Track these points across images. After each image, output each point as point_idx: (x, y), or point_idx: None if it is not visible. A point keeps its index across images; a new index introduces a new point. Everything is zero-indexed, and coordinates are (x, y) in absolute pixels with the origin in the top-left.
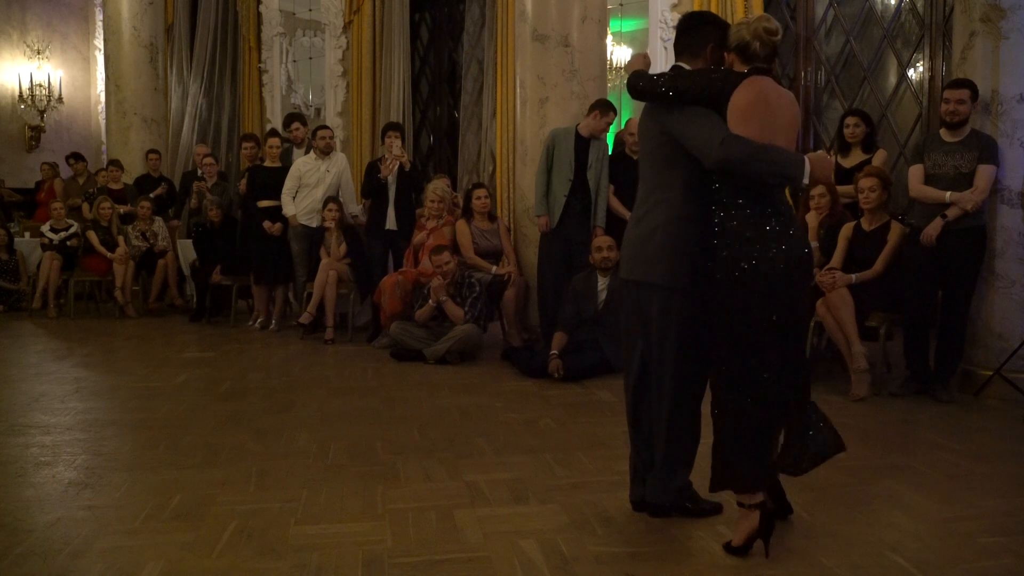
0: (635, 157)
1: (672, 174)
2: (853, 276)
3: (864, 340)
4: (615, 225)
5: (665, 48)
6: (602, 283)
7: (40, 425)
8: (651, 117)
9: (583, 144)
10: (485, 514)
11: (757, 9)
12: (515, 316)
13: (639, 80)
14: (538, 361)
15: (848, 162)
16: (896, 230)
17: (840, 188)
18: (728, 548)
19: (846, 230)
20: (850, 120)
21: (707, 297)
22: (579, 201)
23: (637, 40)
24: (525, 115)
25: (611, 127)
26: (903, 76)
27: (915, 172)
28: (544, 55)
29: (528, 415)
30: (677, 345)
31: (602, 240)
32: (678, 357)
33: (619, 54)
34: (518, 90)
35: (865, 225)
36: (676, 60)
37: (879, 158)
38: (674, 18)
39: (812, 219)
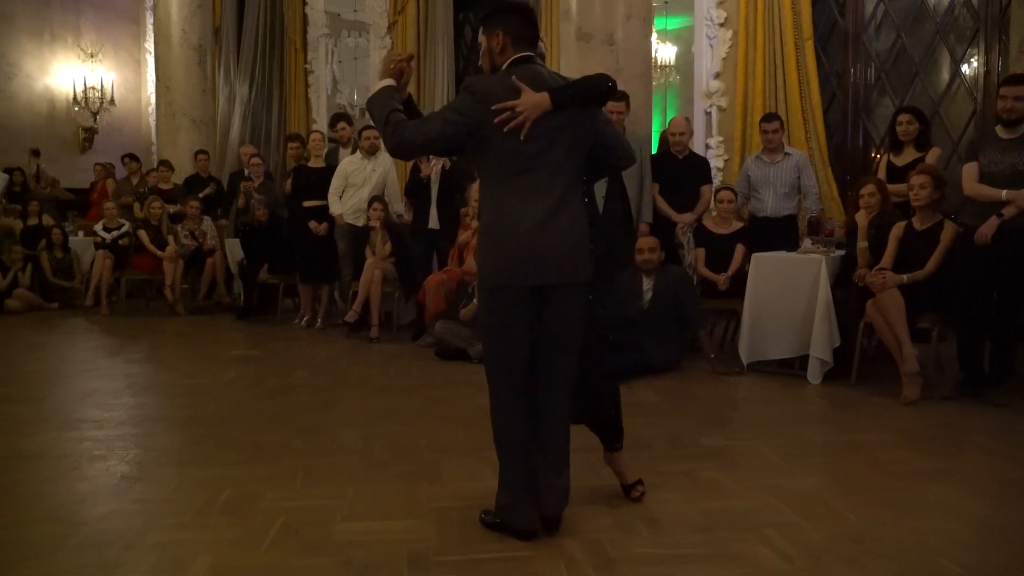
0: (680, 156)
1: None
2: (904, 276)
3: (915, 342)
4: (659, 225)
5: (711, 46)
6: (647, 283)
7: (93, 420)
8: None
9: None
10: None
11: (805, 7)
12: None
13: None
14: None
15: (901, 160)
16: (949, 229)
17: (892, 187)
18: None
19: (897, 229)
20: (903, 117)
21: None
22: (618, 200)
23: (682, 38)
24: None
25: (654, 127)
26: (956, 72)
27: (969, 170)
28: (588, 54)
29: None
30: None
31: (644, 242)
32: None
33: (664, 52)
34: None
35: (917, 224)
36: (527, 50)
37: (933, 156)
38: (720, 15)
39: (862, 218)
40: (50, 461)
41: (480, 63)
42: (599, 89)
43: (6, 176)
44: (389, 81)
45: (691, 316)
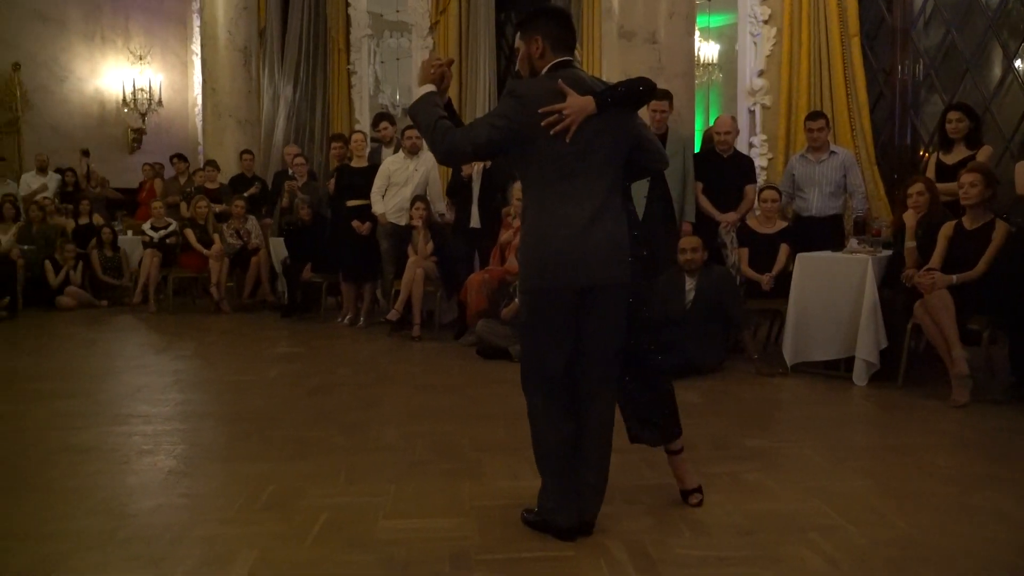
0: (725, 155)
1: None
2: (954, 277)
3: (965, 344)
4: (702, 224)
5: (755, 43)
6: (689, 283)
7: (142, 415)
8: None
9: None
10: None
11: (851, 4)
12: None
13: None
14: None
15: (950, 159)
16: (1001, 229)
17: (942, 186)
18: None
19: (946, 229)
20: (953, 115)
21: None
22: (660, 200)
23: (725, 36)
24: None
25: (697, 126)
26: (1009, 68)
27: (1022, 168)
28: (630, 52)
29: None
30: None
31: (686, 241)
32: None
33: (706, 50)
34: None
35: (967, 224)
36: (566, 54)
37: (984, 154)
38: (764, 12)
39: (910, 217)
40: (101, 455)
41: (518, 68)
42: (640, 91)
43: (58, 176)
44: (430, 87)
45: (734, 316)
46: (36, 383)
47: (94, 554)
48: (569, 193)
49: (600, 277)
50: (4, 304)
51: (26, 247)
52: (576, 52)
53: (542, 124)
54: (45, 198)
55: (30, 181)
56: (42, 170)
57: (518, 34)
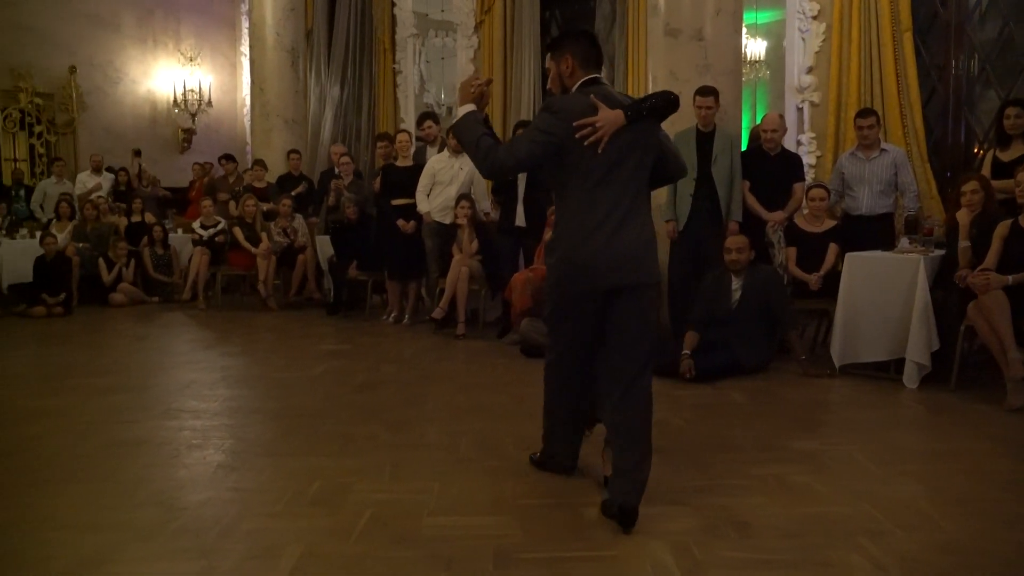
0: (772, 153)
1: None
2: (1009, 277)
3: (1021, 346)
4: (749, 223)
5: (803, 40)
6: (736, 283)
7: (191, 410)
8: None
9: (705, 138)
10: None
11: (904, 3)
12: None
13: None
14: (669, 360)
15: (1007, 155)
16: None
17: (998, 183)
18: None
19: (1002, 228)
20: (1010, 111)
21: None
22: (706, 198)
23: (773, 32)
24: None
25: (744, 123)
26: None
27: None
28: (676, 50)
29: (658, 415)
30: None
31: (732, 241)
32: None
33: (753, 47)
34: (650, 86)
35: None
36: (595, 72)
37: None
38: (813, 8)
39: (964, 216)
40: (152, 449)
41: (549, 86)
42: (666, 104)
43: (112, 175)
44: (471, 106)
45: (781, 316)
46: (90, 378)
47: (146, 545)
48: (600, 200)
49: (628, 279)
50: (60, 300)
51: (81, 245)
52: (603, 68)
53: (576, 136)
54: (99, 197)
55: (85, 180)
56: (96, 170)
57: (549, 55)
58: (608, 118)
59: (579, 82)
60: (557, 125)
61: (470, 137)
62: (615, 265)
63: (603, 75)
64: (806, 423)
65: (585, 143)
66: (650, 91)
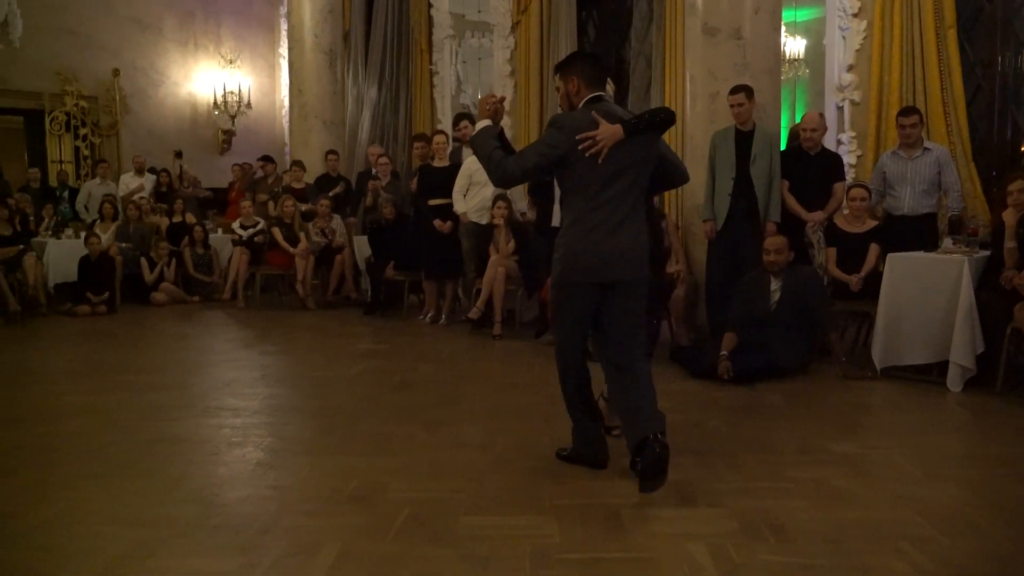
0: (812, 152)
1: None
2: None
3: None
4: (788, 223)
5: (843, 37)
6: (775, 284)
7: (231, 408)
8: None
9: (744, 138)
10: (652, 514)
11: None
12: (683, 315)
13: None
14: (706, 362)
15: None
16: None
17: None
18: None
19: None
20: None
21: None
22: (744, 198)
23: (812, 30)
24: (695, 111)
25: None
26: None
27: None
28: (714, 49)
29: (695, 416)
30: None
31: (770, 242)
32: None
33: (792, 45)
34: (687, 86)
35: None
36: (599, 90)
37: None
38: (853, 5)
39: (1010, 216)
40: (193, 446)
41: (560, 104)
42: (661, 119)
43: (153, 176)
44: (487, 122)
45: (821, 318)
46: (134, 375)
47: (187, 541)
48: (600, 205)
49: (624, 275)
50: (103, 299)
51: (124, 245)
52: (607, 86)
53: (579, 148)
54: (141, 198)
55: (128, 182)
56: (139, 171)
57: (557, 75)
58: (607, 132)
59: (584, 99)
60: (561, 139)
61: (484, 150)
62: (612, 262)
63: (608, 91)
64: (846, 426)
65: (587, 155)
66: (687, 91)
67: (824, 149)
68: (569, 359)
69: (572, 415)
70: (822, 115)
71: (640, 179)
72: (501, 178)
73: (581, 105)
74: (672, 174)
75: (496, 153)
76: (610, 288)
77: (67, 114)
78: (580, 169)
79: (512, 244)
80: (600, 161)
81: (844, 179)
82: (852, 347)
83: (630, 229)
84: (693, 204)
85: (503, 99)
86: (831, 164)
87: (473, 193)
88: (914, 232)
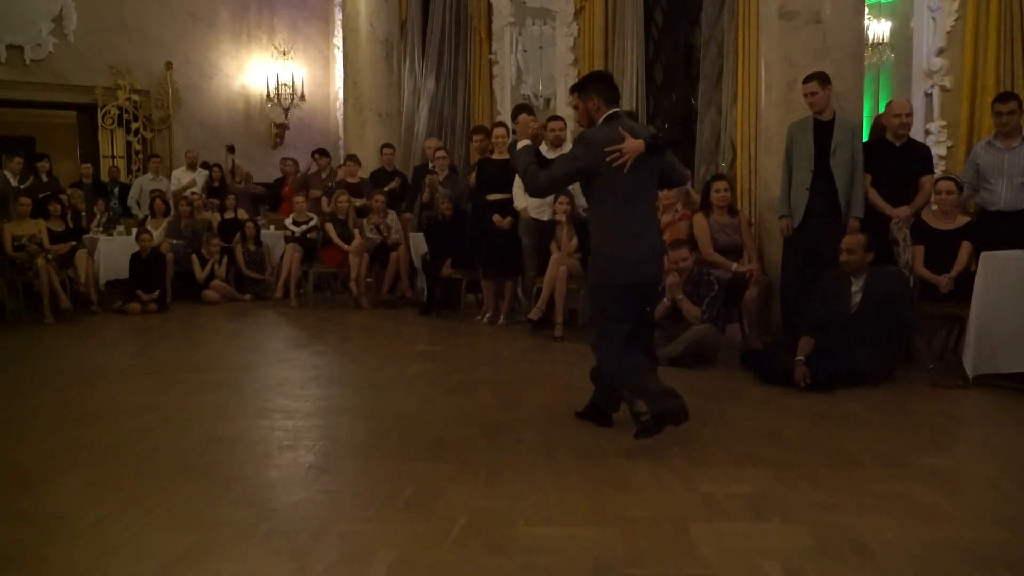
0: (898, 143)
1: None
2: None
3: None
4: (872, 220)
5: (933, 19)
6: (856, 284)
7: (283, 410)
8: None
9: (823, 128)
10: (723, 528)
11: None
12: (756, 317)
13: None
14: (781, 367)
15: None
16: None
17: None
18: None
19: None
20: None
21: None
22: (824, 193)
23: (898, 12)
24: (770, 100)
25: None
26: None
27: None
28: (792, 33)
29: (769, 424)
30: None
31: (847, 240)
32: None
33: (876, 29)
34: (762, 73)
35: None
36: (615, 107)
37: None
38: None
39: None
40: (245, 447)
41: (578, 121)
42: (670, 140)
43: (205, 172)
44: (527, 142)
45: (906, 321)
46: (187, 374)
47: (239, 544)
48: (630, 213)
49: (658, 274)
50: (154, 297)
51: (175, 242)
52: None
53: (607, 160)
54: (193, 193)
55: (180, 176)
56: (191, 166)
57: (575, 94)
58: (632, 146)
59: (604, 116)
60: (588, 153)
61: (522, 165)
62: (651, 263)
63: (621, 108)
64: (936, 438)
65: (613, 166)
66: (762, 79)
67: (911, 140)
68: (619, 359)
69: (636, 386)
70: (910, 102)
71: (655, 188)
72: (534, 188)
73: (601, 121)
74: (672, 176)
75: (531, 168)
76: (647, 286)
77: (119, 108)
78: (607, 180)
79: (575, 241)
80: (626, 171)
81: (933, 172)
82: (941, 353)
83: (654, 232)
84: (768, 199)
85: (543, 125)
86: (919, 156)
87: None
88: (1012, 229)
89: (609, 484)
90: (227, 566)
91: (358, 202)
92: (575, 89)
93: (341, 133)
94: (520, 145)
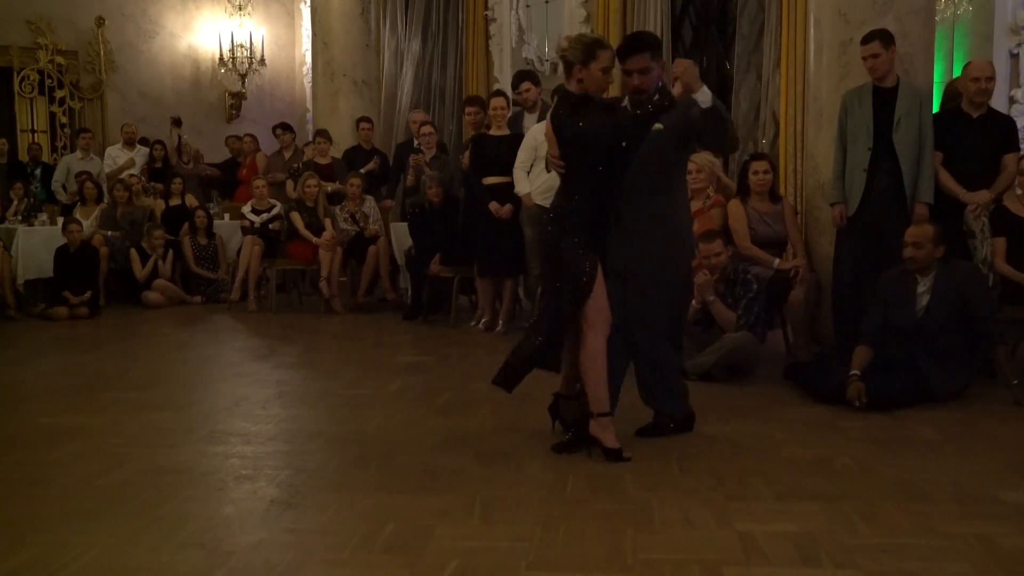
0: (976, 114)
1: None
2: None
3: None
4: (943, 206)
5: None
6: (923, 284)
7: (240, 433)
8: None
9: (884, 97)
10: (763, 575)
11: None
12: (803, 323)
13: None
14: (833, 382)
15: None
16: None
17: None
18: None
19: None
20: None
21: None
22: (885, 174)
23: None
24: (821, 63)
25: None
26: None
27: None
28: None
29: (819, 451)
30: None
31: (912, 233)
32: None
33: None
34: (811, 31)
35: None
36: None
37: None
38: None
39: None
40: (194, 479)
41: (640, 85)
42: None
43: (146, 150)
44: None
45: (984, 328)
46: (123, 392)
47: None
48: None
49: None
50: (85, 299)
51: (110, 233)
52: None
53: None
54: (132, 176)
55: (115, 156)
56: (129, 143)
57: (646, 54)
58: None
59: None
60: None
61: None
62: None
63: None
64: (1020, 468)
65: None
66: (810, 38)
67: (991, 110)
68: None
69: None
70: (992, 64)
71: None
72: (735, 142)
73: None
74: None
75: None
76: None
77: (40, 72)
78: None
79: None
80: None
81: (1019, 148)
82: None
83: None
84: (817, 183)
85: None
86: (1001, 130)
87: (538, 170)
88: None
89: (628, 521)
90: None
91: (330, 187)
92: (649, 48)
93: (309, 104)
94: (704, 100)
